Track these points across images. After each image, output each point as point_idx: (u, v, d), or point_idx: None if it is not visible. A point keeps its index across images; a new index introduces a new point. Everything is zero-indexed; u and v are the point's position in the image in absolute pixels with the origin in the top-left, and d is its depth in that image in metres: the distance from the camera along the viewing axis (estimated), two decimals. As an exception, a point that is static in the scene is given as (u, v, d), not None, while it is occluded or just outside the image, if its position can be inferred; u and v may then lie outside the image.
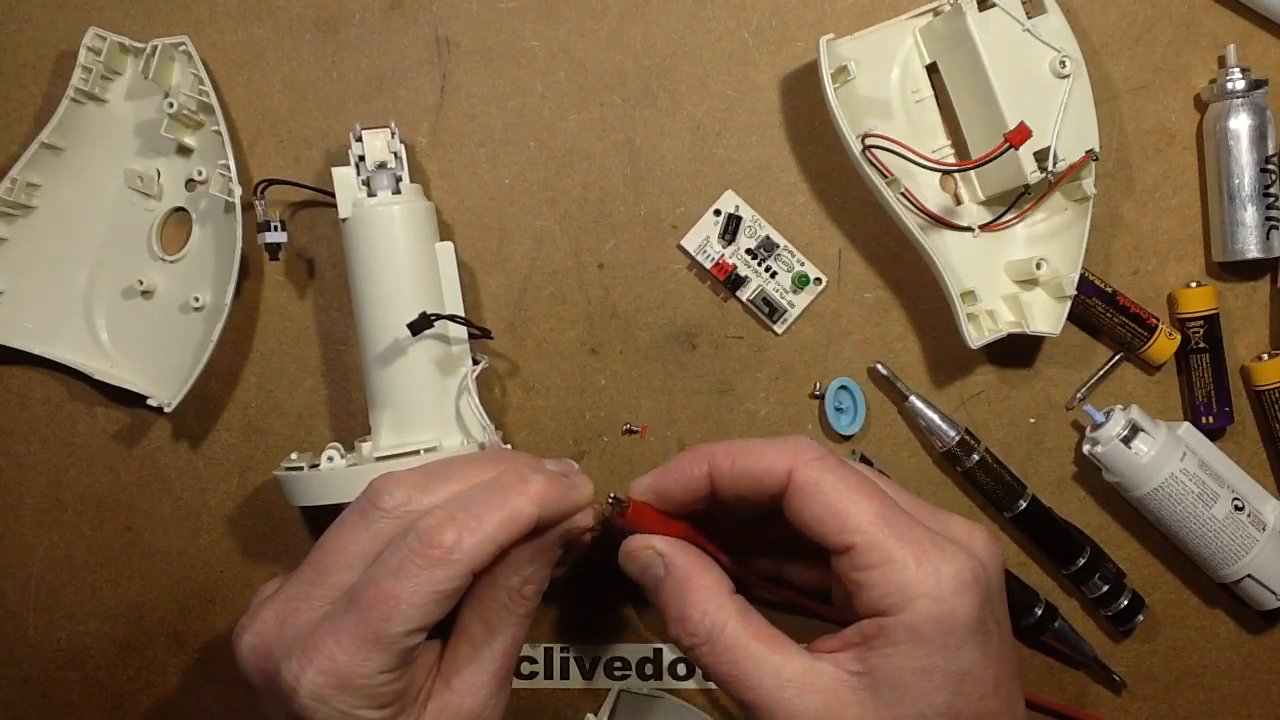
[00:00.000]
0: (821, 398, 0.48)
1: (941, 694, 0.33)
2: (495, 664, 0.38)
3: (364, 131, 0.45)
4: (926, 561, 0.33)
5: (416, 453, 0.43)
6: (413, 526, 0.35)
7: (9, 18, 0.49)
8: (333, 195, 0.45)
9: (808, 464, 0.36)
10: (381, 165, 0.45)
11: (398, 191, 0.45)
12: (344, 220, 0.45)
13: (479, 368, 0.45)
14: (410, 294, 0.44)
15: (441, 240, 0.46)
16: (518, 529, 0.36)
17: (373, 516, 0.36)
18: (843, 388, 0.48)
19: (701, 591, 0.37)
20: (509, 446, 0.46)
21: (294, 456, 0.46)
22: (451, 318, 0.44)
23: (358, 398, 0.49)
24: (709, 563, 0.38)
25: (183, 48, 0.47)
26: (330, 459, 0.44)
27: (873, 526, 0.34)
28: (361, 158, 0.45)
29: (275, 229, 0.46)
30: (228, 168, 0.46)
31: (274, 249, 0.46)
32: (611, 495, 0.39)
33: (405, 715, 0.36)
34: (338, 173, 0.45)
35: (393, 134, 0.45)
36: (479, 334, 0.46)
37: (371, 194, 0.45)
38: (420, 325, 0.43)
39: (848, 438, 0.49)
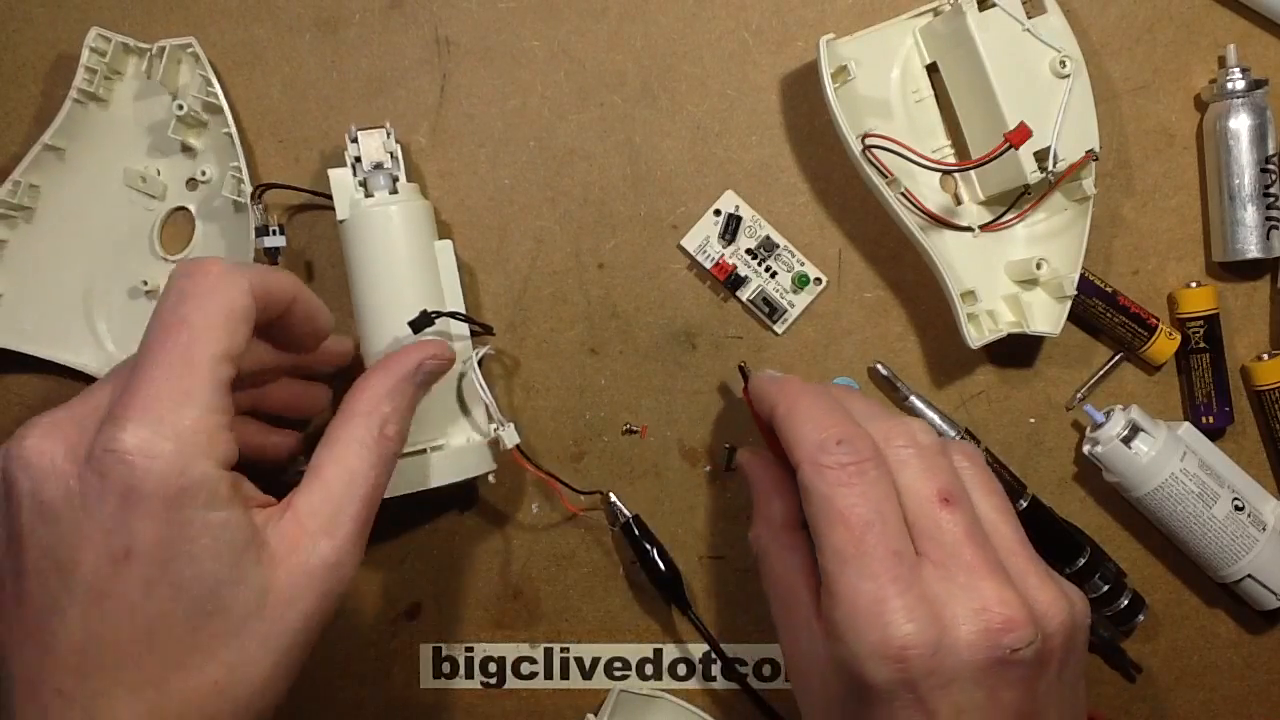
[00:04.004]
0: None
1: None
2: (355, 508, 0.35)
3: (359, 132, 0.45)
4: (860, 617, 0.33)
5: (423, 451, 0.43)
6: (169, 278, 0.34)
7: (9, 18, 0.49)
8: (330, 197, 0.45)
9: (808, 467, 0.35)
10: (378, 166, 0.45)
11: (394, 191, 0.45)
12: (342, 222, 0.45)
13: (482, 351, 0.45)
14: (410, 293, 0.44)
15: (440, 239, 0.46)
16: (256, 297, 0.34)
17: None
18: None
19: (760, 520, 0.40)
20: (513, 428, 0.45)
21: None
22: (453, 314, 0.44)
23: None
24: (778, 488, 0.40)
25: (190, 49, 0.47)
26: None
27: (834, 559, 0.34)
28: (358, 158, 0.45)
29: (274, 233, 0.46)
30: (239, 169, 0.46)
31: (273, 253, 0.46)
32: (743, 364, 0.45)
33: (250, 548, 0.32)
34: (334, 174, 0.45)
35: (388, 134, 0.45)
36: (480, 330, 0.46)
37: (369, 195, 0.45)
38: (421, 323, 0.43)
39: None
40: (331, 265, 0.49)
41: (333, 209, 0.45)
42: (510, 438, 0.45)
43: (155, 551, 0.31)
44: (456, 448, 0.45)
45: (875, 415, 0.38)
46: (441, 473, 0.44)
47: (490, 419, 0.45)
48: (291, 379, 0.45)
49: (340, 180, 0.45)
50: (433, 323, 0.43)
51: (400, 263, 0.44)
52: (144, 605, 0.31)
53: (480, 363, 0.45)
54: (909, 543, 0.34)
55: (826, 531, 0.34)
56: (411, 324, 0.43)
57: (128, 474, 0.30)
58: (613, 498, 0.49)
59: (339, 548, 0.35)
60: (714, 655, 0.49)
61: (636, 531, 0.48)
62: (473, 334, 0.46)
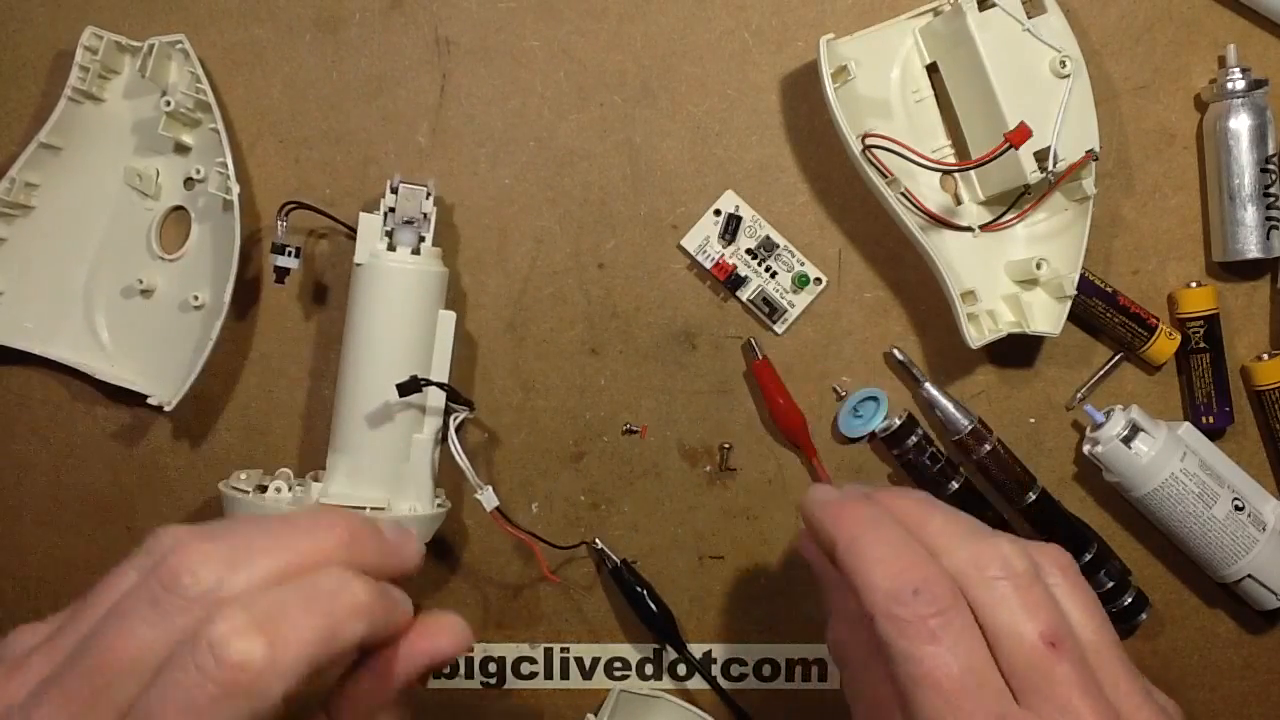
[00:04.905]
0: (844, 397, 0.48)
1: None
2: None
3: (401, 184, 0.45)
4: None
5: (364, 509, 0.43)
6: (204, 634, 0.26)
7: (8, 18, 0.49)
8: (352, 230, 0.44)
9: (883, 620, 0.31)
10: (408, 221, 0.45)
11: (417, 251, 0.45)
12: (358, 265, 0.44)
13: (460, 417, 0.45)
14: (401, 355, 0.44)
15: (446, 309, 0.45)
16: (338, 647, 0.28)
17: (170, 609, 0.27)
18: (872, 399, 0.48)
19: (838, 619, 0.36)
20: (491, 491, 0.45)
21: (242, 476, 0.45)
22: (439, 385, 0.44)
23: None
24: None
25: (179, 46, 0.46)
26: (278, 489, 0.43)
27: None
28: (391, 209, 0.45)
29: (289, 254, 0.45)
30: (225, 165, 0.46)
31: (281, 273, 0.45)
32: (752, 340, 0.47)
33: None
34: (364, 218, 0.44)
35: (428, 194, 0.45)
36: (462, 404, 0.45)
37: (391, 248, 0.44)
38: (409, 388, 0.42)
39: (853, 440, 0.49)
40: (346, 294, 0.47)
41: (353, 238, 0.44)
42: (489, 501, 0.45)
43: None
44: (399, 512, 0.43)
45: (958, 536, 0.33)
46: None
47: (471, 478, 0.44)
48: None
49: (368, 224, 0.44)
50: (420, 389, 0.42)
51: (400, 324, 0.44)
52: None
53: (458, 430, 0.45)
54: (1010, 699, 0.30)
55: (915, 694, 0.30)
56: (399, 387, 0.42)
57: None
58: (599, 544, 0.49)
59: None
60: (713, 656, 0.49)
61: (627, 576, 0.48)
62: (450, 409, 0.45)
